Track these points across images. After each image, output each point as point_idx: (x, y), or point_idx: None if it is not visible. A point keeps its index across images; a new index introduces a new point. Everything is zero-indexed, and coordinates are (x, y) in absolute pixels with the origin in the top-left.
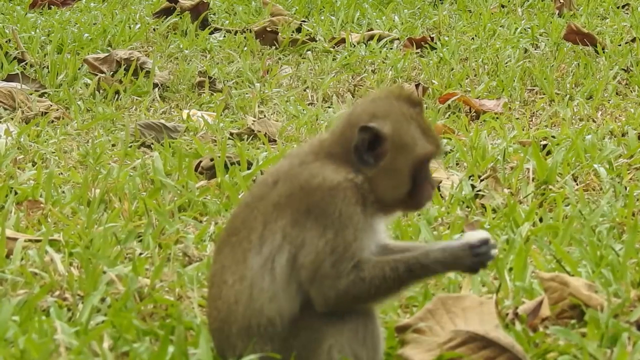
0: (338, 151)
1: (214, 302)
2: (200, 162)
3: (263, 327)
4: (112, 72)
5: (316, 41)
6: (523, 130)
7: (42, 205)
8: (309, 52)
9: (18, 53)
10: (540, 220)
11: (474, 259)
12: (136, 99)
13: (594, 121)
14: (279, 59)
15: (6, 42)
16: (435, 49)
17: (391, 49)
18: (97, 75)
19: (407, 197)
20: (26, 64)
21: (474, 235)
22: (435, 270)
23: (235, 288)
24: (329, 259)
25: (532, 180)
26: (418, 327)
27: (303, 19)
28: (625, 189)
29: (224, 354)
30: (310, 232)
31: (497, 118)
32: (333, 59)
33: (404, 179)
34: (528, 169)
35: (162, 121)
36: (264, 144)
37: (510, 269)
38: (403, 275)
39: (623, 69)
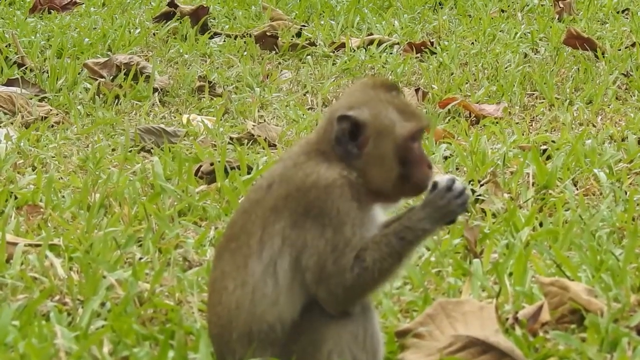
0: (326, 148)
1: (214, 308)
2: (200, 166)
3: (264, 333)
4: (112, 77)
5: (316, 46)
6: (523, 134)
7: (42, 209)
8: (309, 57)
9: (18, 57)
10: (540, 225)
11: (456, 201)
12: (136, 104)
13: (593, 126)
14: (279, 63)
15: (6, 46)
16: (435, 53)
17: (391, 53)
18: (97, 79)
19: (402, 182)
20: (26, 68)
21: (442, 179)
22: (424, 228)
23: (237, 294)
24: (330, 257)
25: (532, 185)
26: (418, 332)
27: (303, 24)
28: (625, 193)
29: (224, 359)
30: (310, 232)
31: (497, 123)
32: (333, 64)
33: (390, 163)
34: (528, 173)
35: (162, 126)
36: (264, 149)
37: (510, 274)
38: (397, 246)
39: (623, 74)
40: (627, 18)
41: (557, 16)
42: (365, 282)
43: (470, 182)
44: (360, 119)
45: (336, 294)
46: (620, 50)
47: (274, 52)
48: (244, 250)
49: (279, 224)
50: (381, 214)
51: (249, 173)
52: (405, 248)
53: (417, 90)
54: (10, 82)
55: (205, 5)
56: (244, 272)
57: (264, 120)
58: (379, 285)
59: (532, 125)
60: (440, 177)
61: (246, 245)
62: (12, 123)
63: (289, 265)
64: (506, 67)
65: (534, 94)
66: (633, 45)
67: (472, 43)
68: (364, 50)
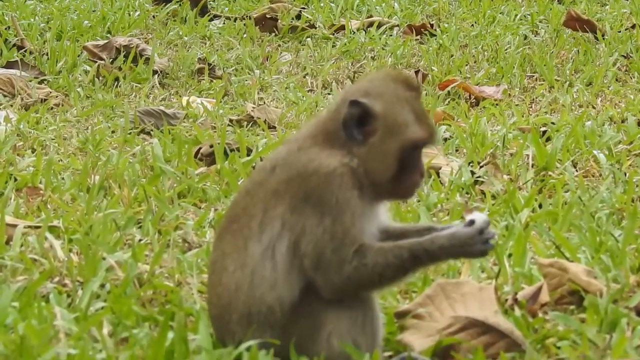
0: (333, 129)
1: (214, 288)
2: (200, 148)
3: (263, 315)
4: (111, 59)
5: (316, 28)
6: (523, 116)
7: (41, 191)
8: (309, 39)
9: (17, 40)
10: (540, 206)
11: (481, 246)
12: (136, 86)
13: (593, 107)
14: (279, 45)
15: (5, 29)
16: (435, 35)
17: (391, 35)
18: (96, 62)
19: (393, 184)
20: (25, 51)
21: (480, 218)
22: (440, 257)
23: (236, 275)
24: (329, 246)
25: (532, 166)
26: (417, 313)
27: (302, 6)
28: (625, 175)
29: (224, 340)
30: (309, 219)
31: (496, 104)
32: (333, 46)
33: (391, 161)
34: (527, 155)
35: (162, 108)
36: (263, 131)
37: (510, 255)
38: (407, 262)
39: (623, 56)
40: (627, 0)
41: None
42: (362, 278)
43: (469, 163)
44: (372, 108)
45: (333, 282)
46: (620, 32)
47: (273, 34)
48: (244, 232)
49: (280, 208)
50: (384, 211)
51: (248, 155)
52: (414, 266)
53: (417, 72)
54: (9, 65)
55: None
56: (244, 253)
57: (264, 102)
58: (376, 287)
59: (531, 107)
60: (477, 215)
61: (247, 227)
62: (11, 105)
63: (287, 250)
64: (506, 49)
65: (533, 76)
66: (633, 27)
67: (472, 25)
68: (364, 32)
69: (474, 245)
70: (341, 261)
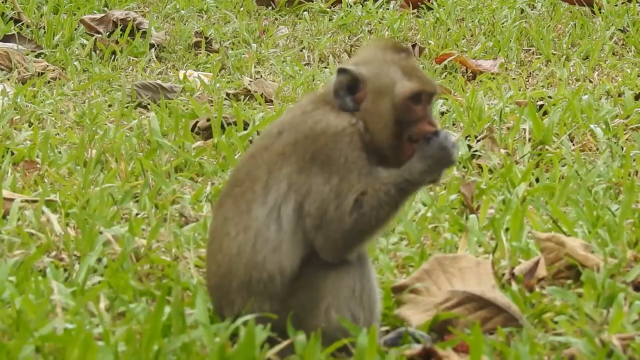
0: (330, 99)
1: (214, 256)
2: (197, 122)
3: (263, 284)
4: (108, 33)
5: (313, 1)
6: (519, 90)
7: (38, 165)
8: (306, 13)
9: (14, 13)
10: (537, 180)
11: (454, 150)
12: (133, 60)
13: (590, 81)
14: (276, 19)
15: (2, 2)
16: (432, 9)
17: (388, 9)
18: (93, 35)
19: (401, 141)
20: (22, 24)
21: (440, 134)
22: (424, 180)
23: (239, 239)
24: (333, 203)
25: (529, 140)
26: (415, 288)
27: None
28: (622, 149)
29: (222, 312)
30: (316, 178)
31: (493, 78)
32: (329, 20)
33: (387, 121)
34: (524, 129)
35: (159, 81)
36: (260, 105)
37: (507, 230)
38: (396, 195)
39: (619, 29)
40: None
41: None
42: (363, 227)
43: (466, 137)
44: (357, 73)
45: (334, 239)
46: (616, 5)
47: (270, 7)
48: (247, 195)
49: (286, 169)
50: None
51: (245, 129)
52: (403, 198)
53: (413, 46)
54: (6, 38)
55: None
56: (247, 217)
57: (261, 76)
58: (376, 231)
59: (528, 80)
60: (439, 133)
61: (250, 190)
62: (8, 79)
63: (293, 211)
64: (503, 23)
65: (530, 50)
66: (630, 0)
67: None
68: (361, 6)
69: (450, 154)
70: (342, 215)
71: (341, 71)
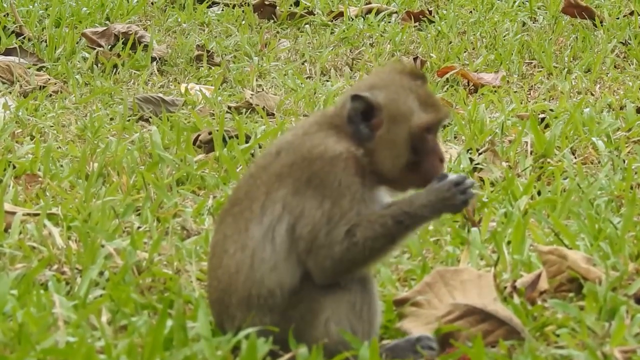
0: (339, 123)
1: (214, 271)
2: (199, 135)
3: (263, 298)
4: (110, 46)
5: (314, 15)
6: (521, 103)
7: (40, 179)
8: (307, 26)
9: (16, 27)
10: (539, 193)
11: (460, 196)
12: (134, 73)
13: (592, 94)
14: (277, 32)
15: (4, 15)
16: (434, 22)
17: (389, 22)
18: (95, 49)
19: (411, 171)
20: (24, 37)
21: (453, 175)
22: (423, 216)
23: (237, 257)
24: (324, 228)
25: (530, 153)
26: (416, 301)
27: None
28: (624, 162)
29: (223, 326)
30: (310, 201)
31: (495, 91)
32: (331, 33)
33: (402, 150)
34: (526, 142)
35: (161, 95)
36: (262, 118)
37: (509, 242)
38: (393, 228)
39: (621, 42)
40: None
41: None
42: (354, 257)
43: (468, 150)
44: (374, 101)
45: (324, 265)
46: (618, 18)
47: (272, 21)
48: (246, 214)
49: (282, 191)
50: (386, 196)
51: (247, 142)
52: (400, 232)
53: (415, 59)
54: (8, 52)
55: None
56: (244, 235)
57: (262, 89)
58: (368, 263)
59: (530, 93)
60: (452, 174)
61: (249, 210)
62: (10, 92)
63: (286, 232)
64: (504, 36)
65: (532, 63)
66: (631, 13)
67: (471, 12)
68: (363, 19)
69: (453, 197)
70: (333, 243)
71: (355, 98)
